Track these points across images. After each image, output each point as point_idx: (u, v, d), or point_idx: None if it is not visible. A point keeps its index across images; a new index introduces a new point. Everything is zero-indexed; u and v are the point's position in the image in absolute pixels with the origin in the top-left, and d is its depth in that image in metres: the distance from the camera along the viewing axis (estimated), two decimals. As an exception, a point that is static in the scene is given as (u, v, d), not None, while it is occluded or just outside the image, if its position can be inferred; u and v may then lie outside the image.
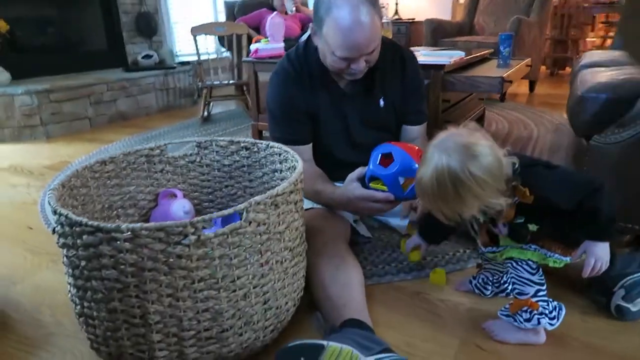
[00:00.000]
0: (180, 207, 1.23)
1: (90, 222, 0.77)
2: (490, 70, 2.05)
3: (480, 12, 4.60)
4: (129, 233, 0.77)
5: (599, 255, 0.92)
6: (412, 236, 1.22)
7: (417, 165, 1.04)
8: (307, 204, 1.33)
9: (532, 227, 0.92)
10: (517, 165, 0.86)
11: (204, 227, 0.80)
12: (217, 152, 1.29)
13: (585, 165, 1.29)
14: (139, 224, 0.76)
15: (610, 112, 1.22)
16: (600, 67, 1.67)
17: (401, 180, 1.09)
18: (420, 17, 4.85)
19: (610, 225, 0.90)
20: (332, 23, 1.16)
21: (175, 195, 1.27)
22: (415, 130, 1.43)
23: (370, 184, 1.13)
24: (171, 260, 0.79)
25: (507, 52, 2.17)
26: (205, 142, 1.28)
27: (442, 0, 5.13)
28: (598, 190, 0.87)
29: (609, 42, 4.40)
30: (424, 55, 2.05)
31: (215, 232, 0.81)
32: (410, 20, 4.94)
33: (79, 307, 0.91)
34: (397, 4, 5.07)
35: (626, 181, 1.22)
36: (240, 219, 0.84)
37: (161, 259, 0.79)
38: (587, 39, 5.18)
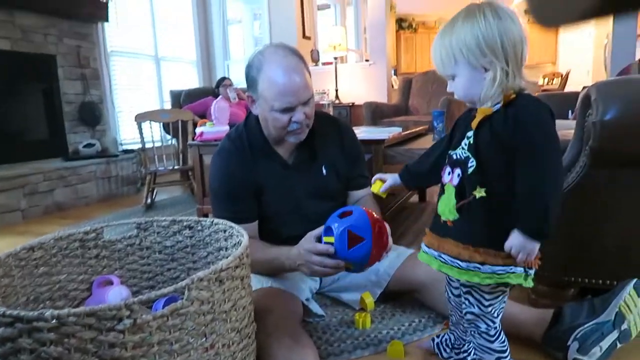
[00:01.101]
0: (117, 295, 1.14)
1: (8, 312, 0.69)
2: (427, 143, 2.18)
3: (414, 95, 5.00)
4: (55, 321, 0.69)
5: (528, 250, 0.82)
6: (388, 175, 1.12)
7: (371, 228, 1.04)
8: (256, 283, 1.28)
9: (479, 192, 0.85)
10: (526, 90, 0.86)
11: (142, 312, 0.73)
12: (158, 232, 1.24)
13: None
14: (66, 310, 0.69)
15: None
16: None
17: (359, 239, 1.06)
18: (359, 101, 5.18)
19: (548, 223, 0.81)
20: (266, 77, 1.22)
21: (111, 283, 1.18)
22: (361, 193, 1.47)
23: (323, 239, 1.10)
24: (103, 350, 0.72)
25: (441, 127, 2.33)
26: (145, 223, 1.23)
27: (378, 86, 5.54)
28: (558, 186, 0.81)
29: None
30: (364, 132, 2.16)
31: (153, 315, 0.75)
32: (350, 105, 5.26)
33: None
34: (337, 90, 5.42)
35: (566, 234, 1.28)
36: (182, 298, 0.79)
37: (91, 350, 0.71)
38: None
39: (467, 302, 0.94)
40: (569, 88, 6.88)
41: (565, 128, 1.70)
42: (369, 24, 5.72)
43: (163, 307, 0.82)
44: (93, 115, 3.96)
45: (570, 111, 2.60)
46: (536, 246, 0.83)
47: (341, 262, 1.08)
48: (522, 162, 0.81)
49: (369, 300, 1.37)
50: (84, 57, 3.88)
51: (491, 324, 0.92)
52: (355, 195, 1.47)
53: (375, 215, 1.09)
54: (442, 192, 0.94)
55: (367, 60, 6.03)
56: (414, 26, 9.92)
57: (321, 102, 4.86)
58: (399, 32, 9.65)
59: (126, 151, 4.16)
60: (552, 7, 0.24)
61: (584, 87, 1.32)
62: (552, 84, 7.87)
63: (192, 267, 1.24)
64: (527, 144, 0.81)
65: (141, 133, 3.29)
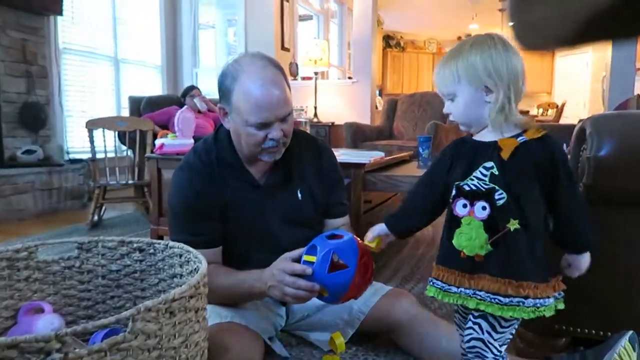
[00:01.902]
0: (47, 325, 1.09)
1: None
2: (411, 170, 2.21)
3: (399, 118, 5.10)
4: (-32, 353, 0.65)
5: (583, 267, 0.98)
6: (376, 225, 1.14)
7: (358, 257, 1.05)
8: (213, 317, 1.24)
9: (513, 224, 0.91)
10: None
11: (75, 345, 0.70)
12: (103, 254, 1.20)
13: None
14: (-18, 340, 0.65)
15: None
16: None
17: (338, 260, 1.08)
18: (339, 120, 5.24)
19: (592, 235, 0.96)
20: (241, 88, 1.22)
21: (42, 310, 1.13)
22: (338, 221, 1.47)
23: (304, 257, 1.10)
24: (25, 390, 0.67)
25: (427, 154, 2.37)
26: (88, 242, 1.19)
27: (361, 106, 5.63)
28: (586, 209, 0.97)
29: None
30: (343, 154, 2.18)
31: (89, 349, 0.72)
32: (330, 124, 5.31)
33: None
34: (315, 107, 5.47)
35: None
36: (125, 331, 0.76)
37: (10, 388, 0.67)
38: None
39: (476, 327, 0.95)
40: (564, 120, 7.15)
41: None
42: (354, 40, 5.85)
43: (102, 340, 0.79)
44: (37, 118, 3.86)
45: (565, 145, 2.69)
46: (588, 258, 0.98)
47: (316, 285, 1.07)
48: (563, 189, 0.93)
49: (340, 342, 1.35)
50: (31, 53, 3.81)
51: (497, 353, 0.94)
52: (332, 224, 1.47)
53: (365, 247, 1.10)
54: (455, 225, 0.97)
55: (350, 78, 6.13)
56: (402, 45, 10.21)
57: (298, 120, 4.89)
58: (385, 50, 9.91)
59: (73, 161, 4.06)
60: (534, 33, 0.26)
61: (580, 120, 1.37)
62: (546, 114, 8.16)
63: (140, 295, 1.20)
64: (566, 173, 0.94)
65: (92, 141, 3.23)
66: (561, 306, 0.93)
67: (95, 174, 3.26)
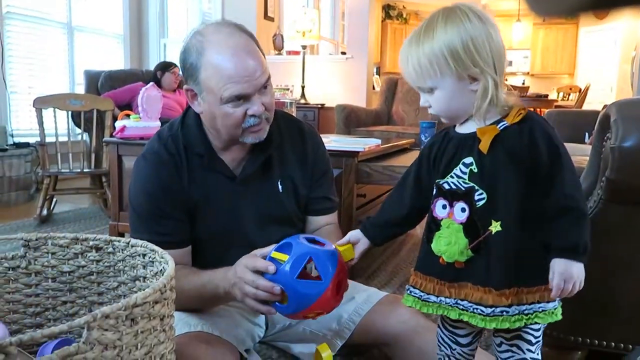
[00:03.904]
0: (-12, 334, 1.09)
1: None
2: (411, 160, 2.22)
3: (399, 100, 5.12)
4: None
5: (574, 275, 0.91)
6: (351, 232, 1.17)
7: (335, 274, 1.06)
8: (181, 326, 1.26)
9: (495, 227, 0.92)
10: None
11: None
12: (53, 253, 1.20)
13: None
14: None
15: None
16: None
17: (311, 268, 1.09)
18: (330, 102, 5.25)
19: (587, 244, 0.92)
20: (210, 62, 1.23)
21: (-17, 317, 1.13)
22: (324, 219, 1.48)
23: (272, 253, 1.11)
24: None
25: (430, 142, 2.39)
26: (36, 240, 1.19)
27: (355, 86, 5.63)
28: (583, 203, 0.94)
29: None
30: (334, 141, 2.19)
31: (37, 360, 0.72)
32: (319, 106, 5.31)
33: None
34: (303, 87, 5.47)
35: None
36: (79, 341, 0.76)
37: (-55, 405, 0.67)
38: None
39: (514, 348, 0.98)
40: (587, 106, 7.22)
41: (580, 153, 1.78)
42: (349, 9, 5.85)
43: (52, 352, 0.79)
44: (-23, 94, 3.83)
45: (587, 133, 2.74)
46: (582, 268, 0.91)
47: (277, 287, 1.08)
48: (551, 178, 0.91)
49: (327, 354, 1.36)
50: (-29, 18, 3.77)
51: None
52: (316, 222, 1.48)
53: (344, 264, 1.12)
54: (435, 228, 0.99)
55: (343, 53, 6.13)
56: (404, 16, 10.22)
57: (282, 101, 4.90)
58: (385, 22, 9.91)
59: (18, 145, 4.03)
60: None
61: (604, 106, 1.39)
62: (567, 99, 8.24)
63: (97, 300, 1.21)
64: (554, 156, 0.91)
65: (41, 123, 3.22)
66: (558, 317, 0.95)
67: (45, 161, 3.25)
